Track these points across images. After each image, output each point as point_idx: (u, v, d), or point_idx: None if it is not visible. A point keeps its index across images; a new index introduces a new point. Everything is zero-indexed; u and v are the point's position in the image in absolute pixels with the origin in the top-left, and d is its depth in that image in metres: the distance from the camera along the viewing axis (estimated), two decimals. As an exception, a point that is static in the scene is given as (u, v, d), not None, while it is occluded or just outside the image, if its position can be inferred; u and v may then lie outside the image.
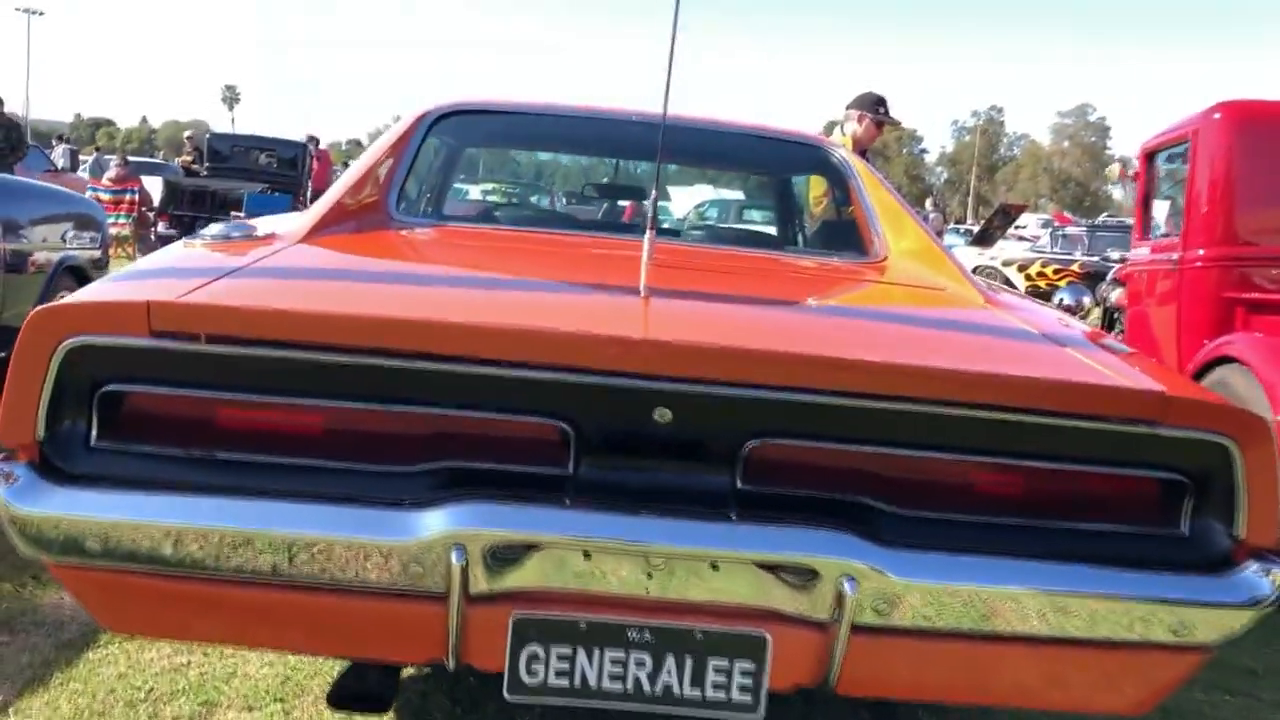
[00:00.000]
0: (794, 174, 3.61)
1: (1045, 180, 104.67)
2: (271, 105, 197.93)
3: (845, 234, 2.96)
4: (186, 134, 22.63)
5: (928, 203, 24.51)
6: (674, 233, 3.17)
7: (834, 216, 3.19)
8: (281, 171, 16.38)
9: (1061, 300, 6.64)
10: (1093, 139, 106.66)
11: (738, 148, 3.35)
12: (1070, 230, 22.34)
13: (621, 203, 3.50)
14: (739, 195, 6.72)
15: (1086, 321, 6.83)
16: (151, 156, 62.97)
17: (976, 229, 39.86)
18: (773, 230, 3.11)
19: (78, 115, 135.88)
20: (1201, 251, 4.60)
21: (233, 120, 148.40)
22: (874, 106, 6.30)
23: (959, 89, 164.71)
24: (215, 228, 2.35)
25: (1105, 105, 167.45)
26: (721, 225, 4.00)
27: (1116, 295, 5.99)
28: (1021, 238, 25.29)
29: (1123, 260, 6.25)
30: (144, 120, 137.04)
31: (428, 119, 2.95)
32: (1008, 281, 21.41)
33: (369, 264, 2.26)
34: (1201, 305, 4.58)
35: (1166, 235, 5.09)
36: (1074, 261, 20.60)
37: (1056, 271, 20.74)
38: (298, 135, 17.72)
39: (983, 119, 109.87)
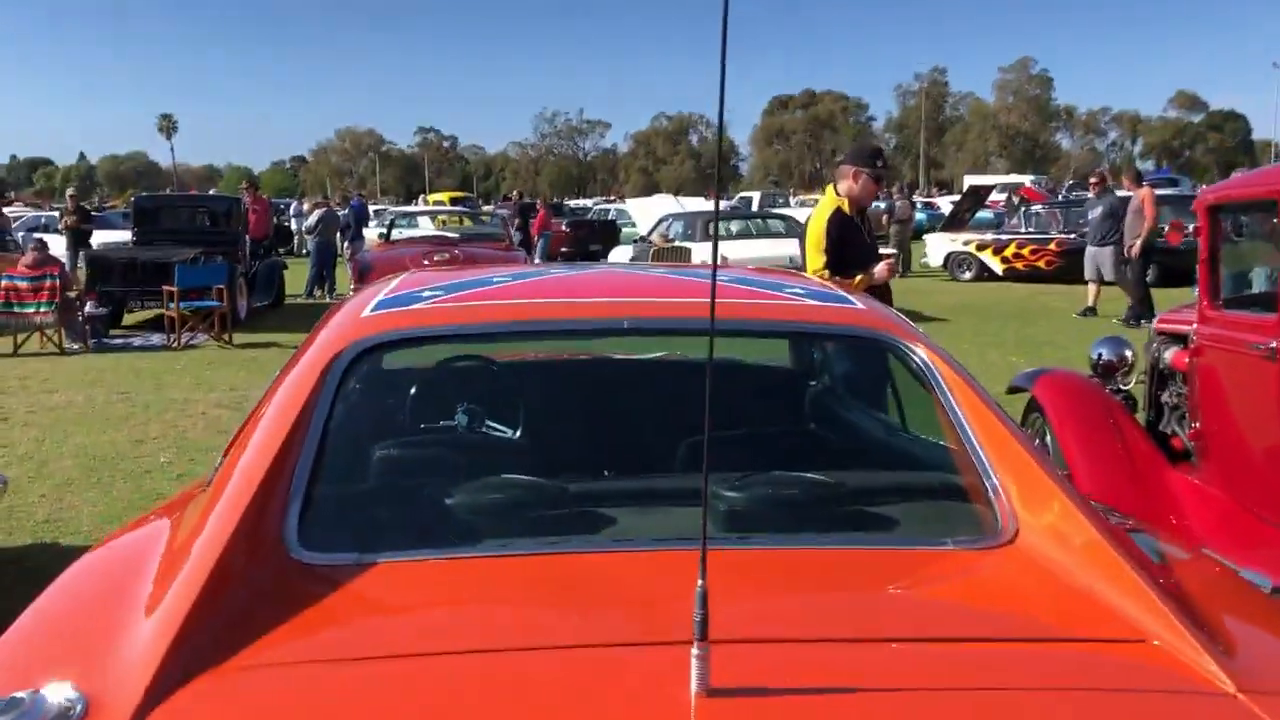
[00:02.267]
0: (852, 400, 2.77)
1: (994, 138, 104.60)
2: (210, 131, 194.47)
3: (940, 490, 2.14)
4: (69, 192, 21.42)
5: (893, 190, 23.74)
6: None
7: (913, 456, 2.35)
8: (216, 229, 15.35)
9: (1100, 355, 5.87)
10: (1037, 92, 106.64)
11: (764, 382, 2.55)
12: (1042, 207, 21.72)
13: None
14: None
15: (1130, 378, 6.08)
16: (92, 198, 61.05)
17: (936, 202, 39.38)
18: (840, 482, 2.20)
19: (13, 157, 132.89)
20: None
21: (171, 149, 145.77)
22: (870, 160, 5.51)
23: (900, 52, 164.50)
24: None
25: (1046, 57, 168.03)
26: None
27: (1170, 356, 5.22)
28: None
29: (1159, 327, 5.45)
30: (82, 157, 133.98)
31: (337, 366, 2.10)
32: (984, 265, 20.83)
33: None
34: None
35: (1248, 307, 4.32)
36: (1050, 240, 19.99)
37: (1034, 252, 20.15)
38: (236, 158, 16.49)
39: (926, 81, 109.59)
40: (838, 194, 5.46)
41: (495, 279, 2.68)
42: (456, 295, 2.45)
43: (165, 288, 12.55)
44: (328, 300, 17.61)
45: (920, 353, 2.27)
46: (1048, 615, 1.71)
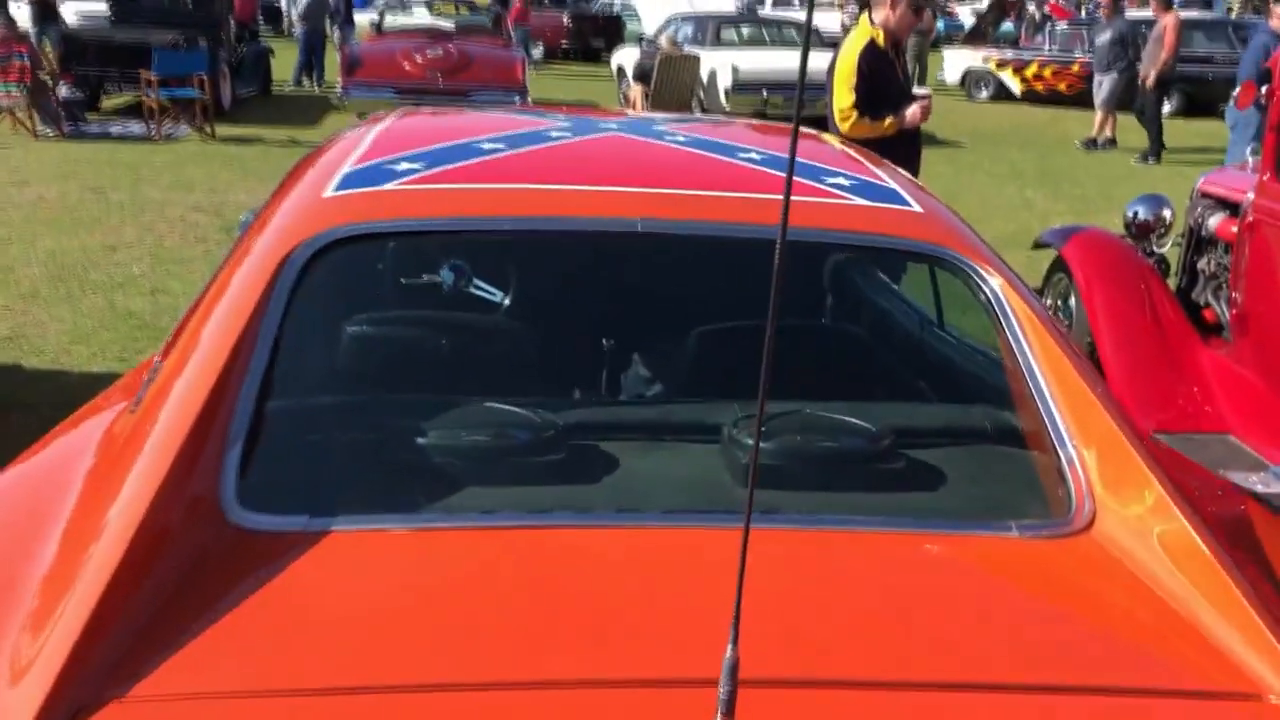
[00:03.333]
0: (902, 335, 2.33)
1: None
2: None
3: (1004, 456, 1.82)
4: None
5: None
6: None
7: (982, 416, 1.97)
8: (199, 10, 14.41)
9: (1136, 214, 5.45)
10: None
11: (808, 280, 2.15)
12: (1067, 25, 20.61)
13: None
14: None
15: (1167, 240, 5.68)
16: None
17: (955, 9, 37.72)
18: (884, 461, 1.80)
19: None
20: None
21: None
22: (909, -15, 4.94)
23: None
24: None
25: None
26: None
27: (1215, 223, 4.82)
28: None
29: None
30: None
31: (288, 270, 1.74)
32: (1001, 85, 19.91)
33: None
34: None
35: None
36: (1073, 62, 19.07)
37: (1055, 73, 19.27)
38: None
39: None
40: (872, 24, 4.93)
41: (486, 144, 2.27)
42: (437, 172, 2.05)
43: (143, 74, 11.84)
44: (315, 90, 16.84)
45: (994, 282, 1.90)
46: (1129, 649, 1.42)
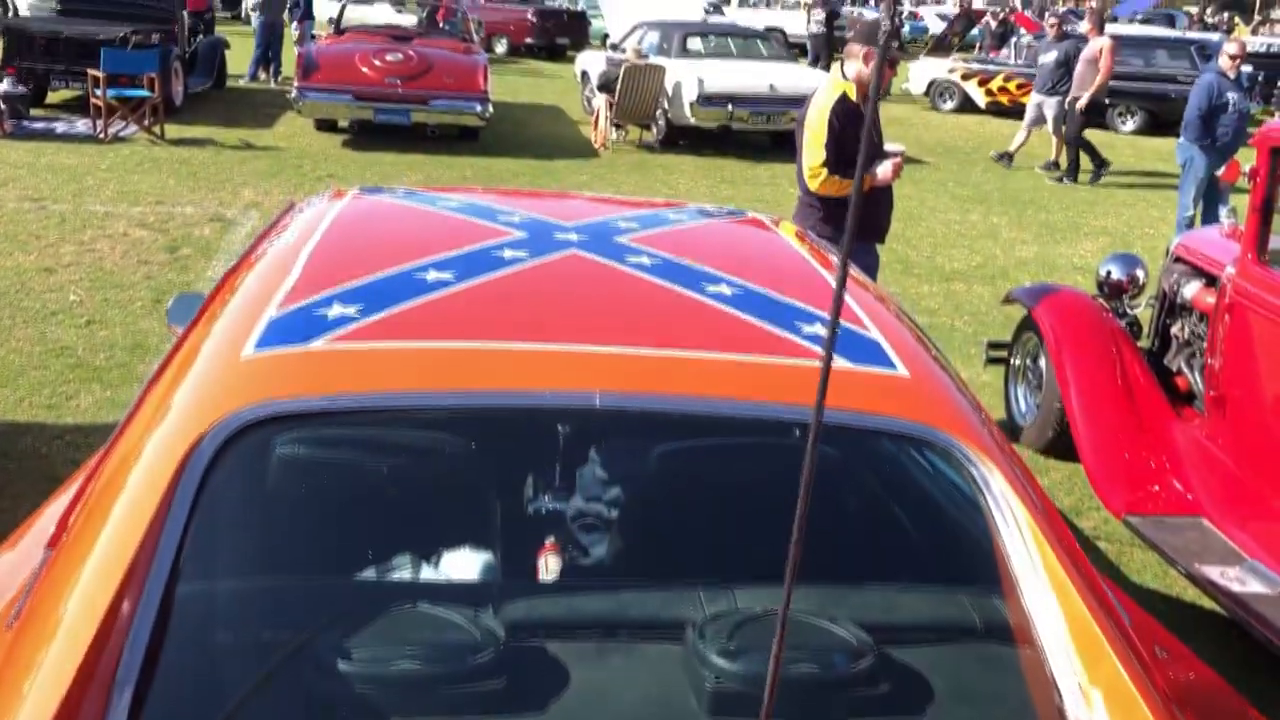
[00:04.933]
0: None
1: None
2: None
3: (999, 690, 1.62)
4: None
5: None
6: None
7: (974, 633, 1.77)
8: (149, 3, 13.95)
9: (1109, 273, 5.34)
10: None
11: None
12: (1033, 39, 20.57)
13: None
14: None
15: (1139, 300, 5.56)
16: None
17: (920, 13, 37.73)
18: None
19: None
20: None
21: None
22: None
23: None
24: None
25: None
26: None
27: (1191, 292, 4.69)
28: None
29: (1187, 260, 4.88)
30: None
31: (195, 462, 1.54)
32: (966, 96, 19.86)
33: None
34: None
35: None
36: (1039, 75, 19.01)
37: (1020, 87, 19.21)
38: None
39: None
40: (844, 77, 4.76)
41: (431, 273, 2.05)
42: (372, 323, 1.83)
43: (91, 72, 11.44)
44: (272, 85, 16.44)
45: (994, 481, 1.71)
46: None
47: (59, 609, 1.43)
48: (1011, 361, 5.53)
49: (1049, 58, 13.14)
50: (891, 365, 1.93)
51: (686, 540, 1.88)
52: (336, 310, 1.87)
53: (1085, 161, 12.72)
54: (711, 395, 1.75)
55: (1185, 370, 4.84)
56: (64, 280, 6.74)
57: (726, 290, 2.12)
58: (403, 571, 1.84)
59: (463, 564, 1.85)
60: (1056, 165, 13.06)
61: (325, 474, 1.96)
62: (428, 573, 1.83)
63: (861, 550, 2.00)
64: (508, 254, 2.21)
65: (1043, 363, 5.17)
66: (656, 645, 1.66)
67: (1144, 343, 5.17)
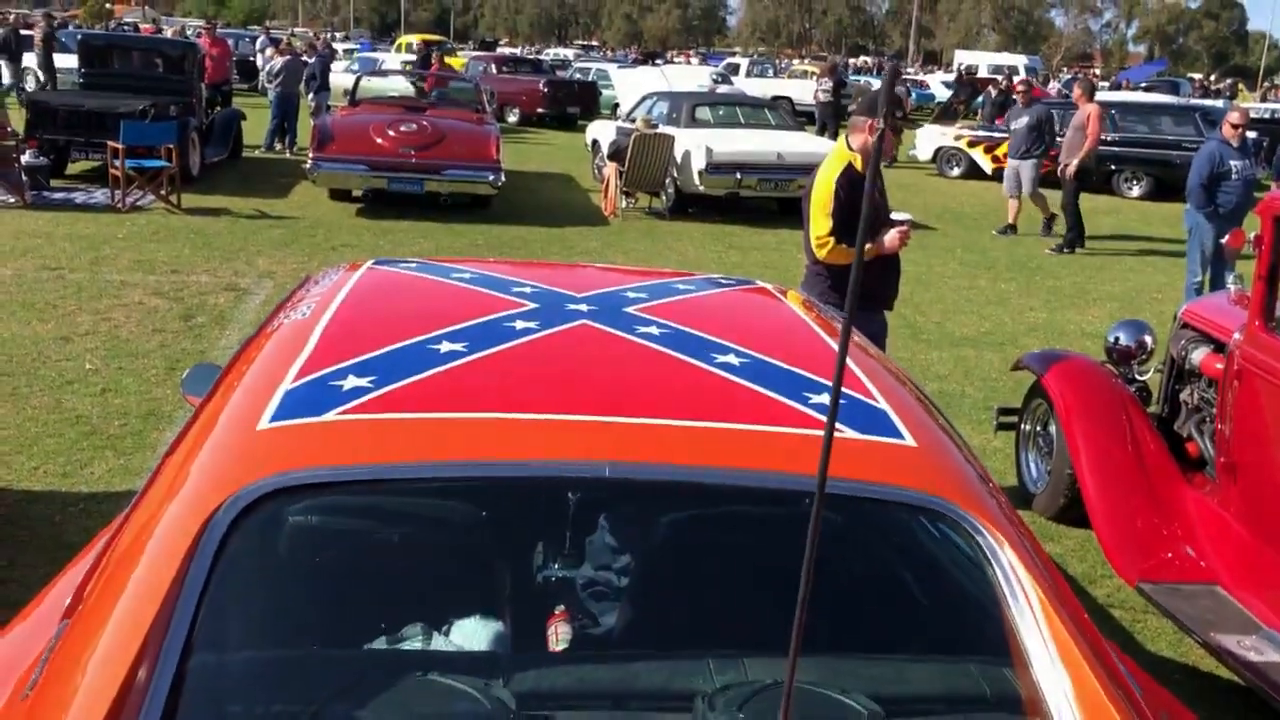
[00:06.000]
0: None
1: (988, 9, 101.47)
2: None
3: None
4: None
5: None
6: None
7: (982, 703, 1.78)
8: (169, 76, 14.27)
9: (1118, 339, 5.37)
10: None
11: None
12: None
13: None
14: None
15: (1148, 366, 5.58)
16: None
17: (926, 81, 38.22)
18: None
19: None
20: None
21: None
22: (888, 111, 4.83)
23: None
24: None
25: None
26: None
27: (1199, 358, 4.71)
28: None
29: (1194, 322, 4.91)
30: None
31: (215, 526, 1.56)
32: (973, 164, 20.05)
33: None
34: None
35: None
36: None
37: (1026, 153, 19.39)
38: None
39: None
40: (850, 148, 4.83)
41: (444, 344, 2.09)
42: (386, 394, 1.87)
43: (110, 144, 11.65)
44: (287, 155, 16.70)
45: (1003, 554, 1.72)
46: None
47: (75, 679, 1.45)
48: (1022, 428, 5.53)
49: (1020, 123, 13.34)
50: (899, 435, 1.95)
51: (696, 610, 1.89)
52: (351, 382, 1.91)
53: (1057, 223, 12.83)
54: (720, 465, 1.77)
55: (1195, 436, 4.83)
56: (80, 349, 6.81)
57: (734, 360, 2.15)
58: (414, 641, 1.85)
59: (473, 633, 1.86)
60: (1049, 226, 13.15)
61: (338, 544, 1.98)
62: (438, 642, 1.84)
63: (870, 620, 2.00)
64: (519, 325, 2.25)
65: (1053, 429, 5.17)
66: (665, 715, 1.67)
67: (1153, 409, 5.18)
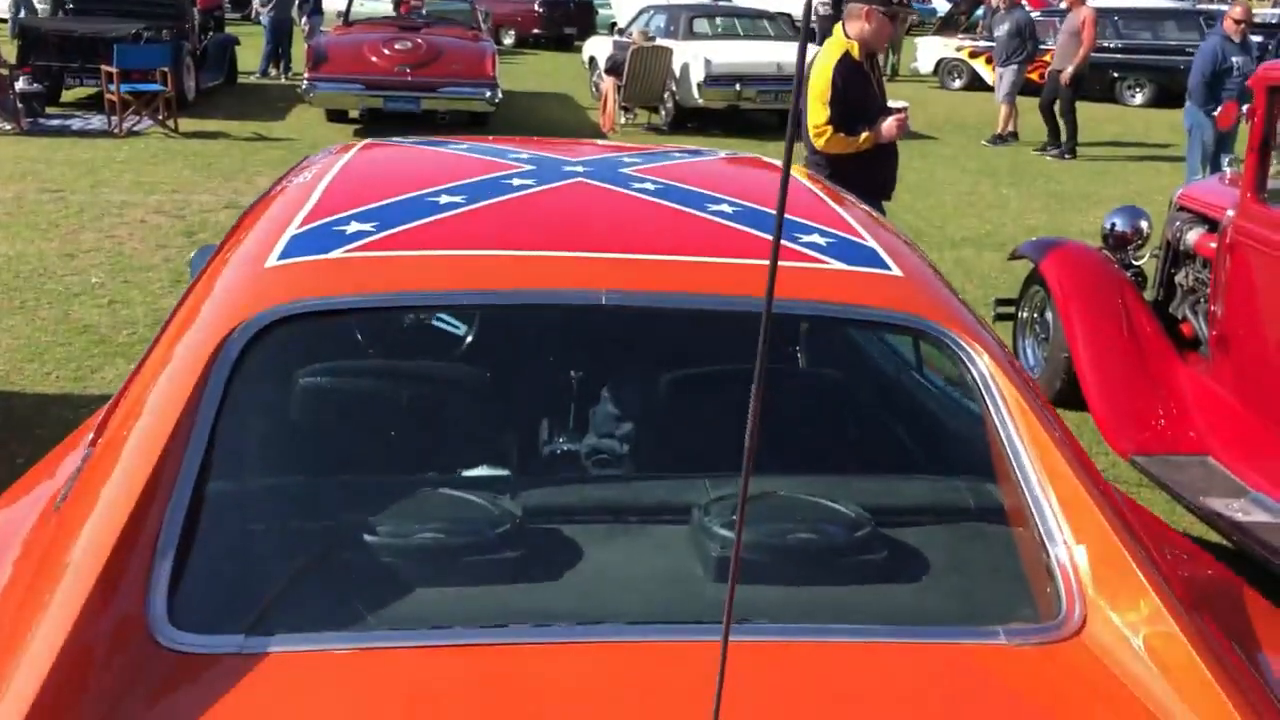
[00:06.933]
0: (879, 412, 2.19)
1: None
2: None
3: (992, 554, 1.72)
4: None
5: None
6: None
7: (968, 503, 1.88)
8: (160, 1, 14.10)
9: (1114, 225, 5.39)
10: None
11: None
12: (1040, 14, 20.53)
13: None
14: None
15: (1144, 251, 5.62)
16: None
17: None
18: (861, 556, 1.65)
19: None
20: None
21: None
22: (885, -3, 4.82)
23: None
24: None
25: None
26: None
27: (1194, 238, 4.75)
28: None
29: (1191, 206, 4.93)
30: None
31: (226, 354, 1.64)
32: (975, 75, 19.83)
33: None
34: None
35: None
36: (1046, 52, 18.97)
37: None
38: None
39: None
40: (846, 36, 4.82)
41: (443, 197, 2.15)
42: (388, 236, 1.93)
43: (104, 68, 11.57)
44: (283, 80, 16.57)
45: (979, 361, 1.80)
46: None
47: (101, 489, 1.53)
48: (1020, 315, 5.59)
49: (1003, 29, 13.21)
50: (886, 266, 2.01)
51: (693, 433, 1.97)
52: (354, 227, 1.97)
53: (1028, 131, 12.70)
54: (714, 292, 1.84)
55: (1190, 317, 4.89)
56: (85, 264, 6.86)
57: (728, 209, 2.20)
58: (420, 460, 1.93)
59: (478, 454, 1.94)
60: (1001, 138, 13.04)
61: (347, 373, 2.06)
62: (446, 461, 1.92)
63: (861, 437, 2.08)
64: (516, 182, 2.30)
65: (1050, 316, 5.23)
66: (665, 527, 1.75)
67: (1149, 293, 5.23)
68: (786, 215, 2.21)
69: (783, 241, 2.03)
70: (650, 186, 2.33)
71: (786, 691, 1.39)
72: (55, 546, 1.49)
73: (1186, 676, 1.39)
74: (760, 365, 1.06)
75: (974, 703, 1.45)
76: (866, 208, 2.60)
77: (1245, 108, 4.08)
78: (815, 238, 2.06)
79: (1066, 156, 12.44)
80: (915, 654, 1.48)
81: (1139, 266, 5.32)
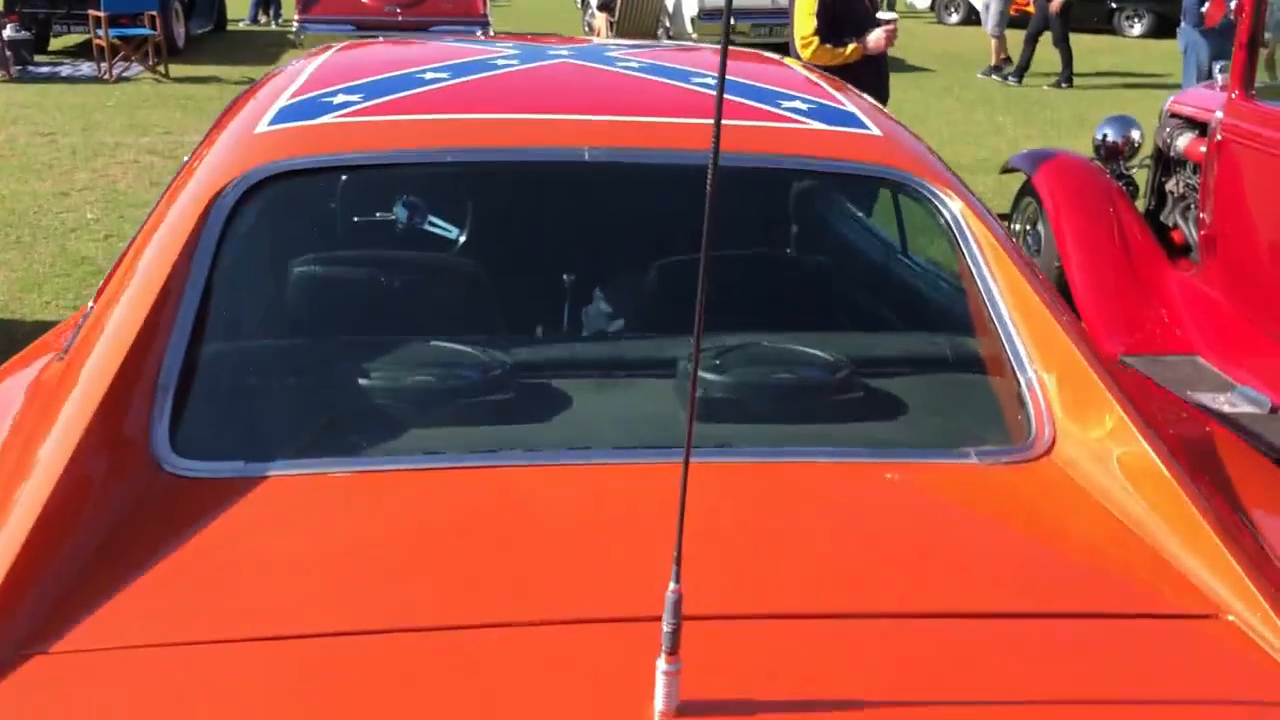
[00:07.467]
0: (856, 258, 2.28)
1: None
2: None
3: (963, 380, 1.79)
4: None
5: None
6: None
7: (941, 343, 1.94)
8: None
9: (1105, 136, 5.40)
10: None
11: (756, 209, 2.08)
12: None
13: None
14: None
15: (1133, 162, 5.62)
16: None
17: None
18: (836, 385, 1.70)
19: None
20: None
21: None
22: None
23: None
24: None
25: None
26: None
27: (1184, 143, 4.76)
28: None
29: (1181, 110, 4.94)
30: None
31: (219, 207, 1.67)
32: (972, 9, 19.63)
33: None
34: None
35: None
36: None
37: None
38: None
39: None
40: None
41: (428, 73, 2.17)
42: (375, 104, 1.96)
43: (91, 13, 11.49)
44: (273, 26, 16.45)
45: (953, 206, 1.84)
46: (1086, 574, 1.39)
47: (102, 333, 1.57)
48: (1012, 228, 5.62)
49: None
50: (865, 127, 2.05)
51: (679, 289, 2.01)
52: (341, 98, 2.00)
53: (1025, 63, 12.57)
54: (698, 148, 1.86)
55: (1180, 223, 4.92)
56: (80, 202, 6.87)
57: (712, 80, 2.22)
58: (410, 317, 1.97)
59: (467, 312, 1.99)
60: (998, 70, 12.94)
61: (340, 233, 2.10)
62: (433, 319, 1.96)
63: (842, 289, 2.13)
64: (500, 62, 2.32)
65: (1042, 228, 5.25)
66: (651, 379, 1.80)
67: (1141, 203, 5.25)
68: (768, 85, 2.24)
69: (763, 105, 2.06)
70: (635, 65, 2.35)
71: (755, 504, 1.45)
72: (61, 384, 1.53)
73: (1154, 487, 1.44)
74: (708, 210, 1.08)
75: (946, 515, 1.50)
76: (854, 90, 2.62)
77: (1232, 5, 4.07)
78: (796, 104, 2.09)
79: (1063, 85, 12.37)
80: (886, 472, 1.53)
81: (1130, 176, 5.34)
